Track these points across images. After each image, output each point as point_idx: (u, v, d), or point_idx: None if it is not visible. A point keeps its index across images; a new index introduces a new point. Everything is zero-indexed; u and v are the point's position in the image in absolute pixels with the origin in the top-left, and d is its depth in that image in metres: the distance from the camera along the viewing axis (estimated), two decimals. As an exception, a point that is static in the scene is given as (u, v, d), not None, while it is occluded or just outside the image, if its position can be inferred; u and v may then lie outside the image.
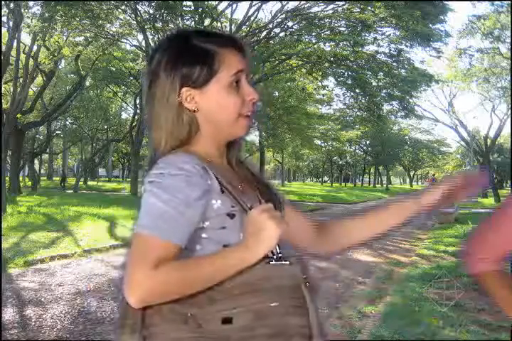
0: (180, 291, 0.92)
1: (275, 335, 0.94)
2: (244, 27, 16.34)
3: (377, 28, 16.28)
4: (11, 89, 19.41)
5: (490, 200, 26.11)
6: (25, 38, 24.28)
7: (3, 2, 14.35)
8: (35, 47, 19.75)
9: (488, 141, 29.27)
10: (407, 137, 51.06)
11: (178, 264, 0.91)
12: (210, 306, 0.94)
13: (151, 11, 14.46)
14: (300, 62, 17.68)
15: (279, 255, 0.99)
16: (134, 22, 14.94)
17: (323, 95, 26.05)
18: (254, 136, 38.30)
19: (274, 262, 0.98)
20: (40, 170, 43.41)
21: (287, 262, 1.00)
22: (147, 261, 0.89)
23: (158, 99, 1.03)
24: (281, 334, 0.95)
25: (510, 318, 1.26)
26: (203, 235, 0.98)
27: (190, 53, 1.04)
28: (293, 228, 1.09)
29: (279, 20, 15.98)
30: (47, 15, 14.52)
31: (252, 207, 0.99)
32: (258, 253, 0.94)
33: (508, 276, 1.35)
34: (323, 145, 44.01)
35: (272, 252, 0.98)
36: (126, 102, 34.80)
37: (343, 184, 61.54)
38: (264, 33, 16.43)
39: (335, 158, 56.86)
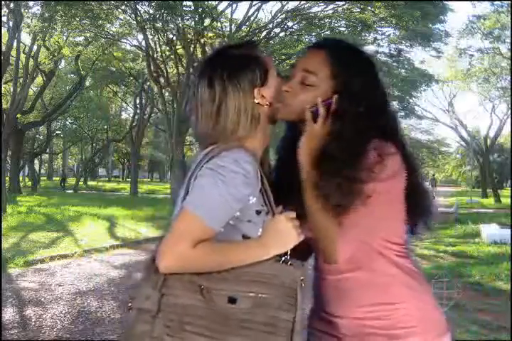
0: (203, 269, 1.10)
1: (268, 324, 1.10)
2: (244, 27, 16.33)
3: (377, 28, 16.26)
4: (11, 89, 19.41)
5: (490, 200, 26.10)
6: (25, 38, 24.32)
7: (3, 2, 14.36)
8: (35, 47, 19.76)
9: (488, 141, 29.24)
10: (407, 137, 50.99)
11: (210, 248, 1.09)
12: (221, 284, 1.10)
13: (151, 11, 14.45)
14: (300, 62, 17.70)
15: (288, 257, 1.15)
16: (134, 22, 14.93)
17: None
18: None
19: (282, 262, 1.15)
20: (40, 170, 43.40)
21: (292, 265, 1.15)
22: (190, 238, 1.07)
23: (234, 104, 1.19)
24: (272, 325, 1.11)
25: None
26: (231, 222, 1.14)
27: (244, 59, 1.23)
28: None
29: (279, 20, 15.97)
30: (47, 15, 14.50)
31: (274, 209, 1.17)
32: (271, 253, 1.13)
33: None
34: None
35: (285, 253, 1.15)
36: (126, 102, 34.77)
37: (343, 184, 61.37)
38: (264, 33, 16.43)
39: (335, 158, 56.73)
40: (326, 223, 1.18)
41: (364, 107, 1.19)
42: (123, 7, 14.89)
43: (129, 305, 1.16)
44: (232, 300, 1.09)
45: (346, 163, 1.15)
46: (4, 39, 17.41)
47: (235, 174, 1.10)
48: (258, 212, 1.15)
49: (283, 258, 1.15)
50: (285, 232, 1.14)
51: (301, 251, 1.20)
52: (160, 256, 1.08)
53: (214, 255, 1.10)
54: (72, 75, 28.53)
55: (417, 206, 1.29)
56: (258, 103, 1.21)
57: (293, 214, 1.15)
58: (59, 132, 35.64)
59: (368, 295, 1.23)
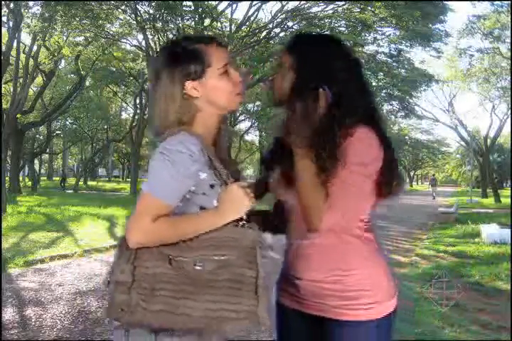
0: (168, 240, 1.25)
1: (234, 281, 1.26)
2: (244, 27, 16.33)
3: (377, 28, 16.27)
4: (11, 89, 19.40)
5: (490, 200, 26.09)
6: (25, 38, 24.37)
7: (3, 2, 14.35)
8: (35, 47, 19.75)
9: (488, 141, 29.23)
10: (407, 137, 51.02)
11: (170, 221, 1.25)
12: (187, 252, 1.25)
13: (151, 11, 14.45)
14: (300, 62, 17.67)
15: (245, 221, 1.30)
16: (134, 22, 14.93)
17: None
18: (254, 136, 38.39)
19: (240, 226, 1.29)
20: (40, 170, 43.40)
21: (250, 228, 1.30)
22: (150, 214, 1.23)
23: (165, 93, 1.34)
24: (238, 282, 1.26)
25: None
26: (187, 196, 1.29)
27: (184, 55, 1.34)
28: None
29: (279, 20, 15.97)
30: (47, 15, 14.51)
31: (227, 182, 1.30)
32: (226, 219, 1.27)
33: None
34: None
35: (241, 218, 1.29)
36: (126, 102, 34.79)
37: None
38: (264, 33, 16.43)
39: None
40: (315, 193, 1.30)
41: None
42: (123, 7, 14.89)
43: (108, 279, 1.37)
44: (197, 265, 1.24)
45: (330, 137, 1.31)
46: (4, 39, 17.42)
47: (181, 154, 1.25)
48: (212, 186, 1.29)
49: (241, 223, 1.29)
50: (237, 199, 1.27)
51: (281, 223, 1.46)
52: (127, 234, 1.24)
53: (175, 226, 1.25)
54: (72, 75, 28.53)
55: (389, 182, 1.41)
56: (190, 95, 1.34)
57: (244, 184, 1.29)
58: (59, 132, 35.66)
59: (327, 260, 1.39)
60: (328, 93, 1.32)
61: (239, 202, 1.27)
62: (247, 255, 1.28)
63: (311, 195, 1.30)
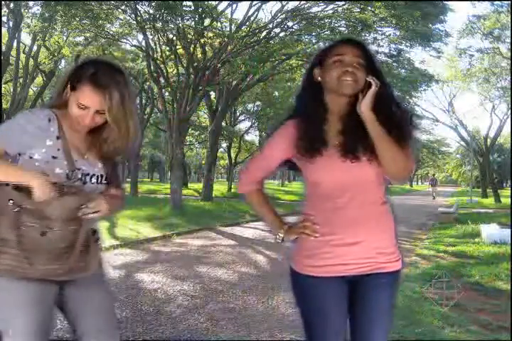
0: None
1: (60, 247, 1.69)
2: (244, 27, 16.30)
3: (377, 28, 16.24)
4: (11, 89, 19.39)
5: (490, 200, 26.09)
6: (25, 38, 24.26)
7: (3, 2, 14.35)
8: (35, 47, 19.73)
9: (488, 141, 29.23)
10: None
11: None
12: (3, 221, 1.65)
13: (151, 11, 14.42)
14: (300, 62, 17.65)
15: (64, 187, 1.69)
16: (134, 22, 14.90)
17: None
18: (254, 136, 38.39)
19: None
20: (40, 170, 43.29)
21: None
22: None
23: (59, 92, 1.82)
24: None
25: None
26: (24, 156, 1.71)
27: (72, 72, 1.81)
28: None
29: (279, 20, 15.94)
30: (47, 15, 14.49)
31: (73, 169, 1.73)
32: (21, 180, 1.65)
33: (265, 195, 1.95)
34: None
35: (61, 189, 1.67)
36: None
37: (343, 184, 61.27)
38: (264, 33, 16.40)
39: (335, 157, 56.61)
40: (399, 151, 1.66)
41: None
42: (123, 7, 14.87)
43: None
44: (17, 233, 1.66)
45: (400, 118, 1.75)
46: (4, 39, 17.41)
47: (26, 116, 1.74)
48: (54, 157, 1.70)
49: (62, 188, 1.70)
50: (41, 183, 1.63)
51: None
52: None
53: None
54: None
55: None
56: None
57: (49, 181, 1.65)
58: (59, 132, 35.64)
59: (380, 223, 1.73)
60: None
61: (41, 185, 1.62)
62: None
63: (400, 152, 1.66)
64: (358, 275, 1.70)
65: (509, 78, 22.89)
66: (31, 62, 19.57)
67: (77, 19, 14.76)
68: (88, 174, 1.79)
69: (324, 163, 1.69)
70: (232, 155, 30.14)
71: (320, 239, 1.71)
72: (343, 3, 15.54)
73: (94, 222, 1.85)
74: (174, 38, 15.30)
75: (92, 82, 1.70)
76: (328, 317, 1.72)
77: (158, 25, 14.38)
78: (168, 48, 15.86)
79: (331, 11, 15.85)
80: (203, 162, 30.93)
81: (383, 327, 1.75)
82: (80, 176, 1.76)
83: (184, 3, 14.15)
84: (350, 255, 1.69)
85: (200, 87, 15.06)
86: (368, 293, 1.72)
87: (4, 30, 17.93)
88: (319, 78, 1.75)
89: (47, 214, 1.66)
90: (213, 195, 20.02)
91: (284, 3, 15.86)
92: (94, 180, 1.81)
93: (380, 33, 16.61)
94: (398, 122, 1.71)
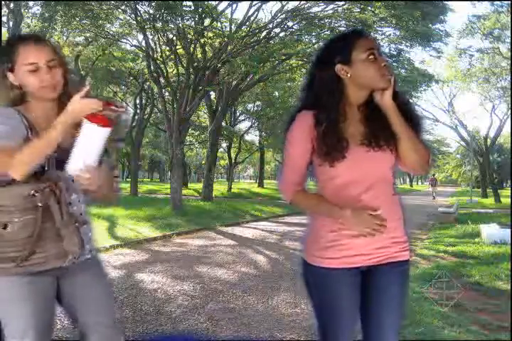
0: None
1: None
2: (244, 27, 16.29)
3: (377, 28, 16.25)
4: (11, 89, 19.35)
5: (490, 200, 26.09)
6: (25, 38, 24.24)
7: (3, 2, 14.34)
8: (35, 47, 19.71)
9: (488, 141, 29.24)
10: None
11: (18, 150, 1.60)
12: None
13: (151, 11, 14.42)
14: (300, 62, 17.65)
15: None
16: (134, 22, 14.90)
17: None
18: (254, 136, 38.37)
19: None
20: (40, 170, 43.28)
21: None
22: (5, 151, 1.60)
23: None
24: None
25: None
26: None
27: (2, 51, 1.77)
28: None
29: (279, 20, 15.94)
30: (47, 15, 14.51)
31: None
32: (60, 123, 1.63)
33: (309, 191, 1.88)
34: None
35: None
36: (126, 102, 34.75)
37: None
38: (264, 33, 16.39)
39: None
40: (419, 140, 1.72)
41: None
42: (123, 7, 14.87)
43: None
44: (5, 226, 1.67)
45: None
46: (4, 39, 17.40)
47: None
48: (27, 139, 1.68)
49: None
50: (77, 108, 1.62)
51: None
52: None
53: (21, 152, 1.60)
54: (72, 75, 28.44)
55: None
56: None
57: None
58: (59, 132, 35.63)
59: (393, 211, 1.81)
60: None
61: (78, 109, 1.62)
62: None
63: (420, 141, 1.73)
64: (372, 265, 1.73)
65: (509, 78, 22.90)
66: (31, 62, 19.54)
67: (77, 19, 14.77)
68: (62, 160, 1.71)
69: (348, 163, 1.68)
70: (232, 155, 30.14)
71: (336, 231, 1.70)
72: (343, 3, 15.54)
73: (59, 210, 1.73)
74: (174, 38, 15.29)
75: (25, 42, 1.72)
76: (343, 307, 1.74)
77: (158, 25, 14.37)
78: (168, 48, 15.84)
79: (331, 11, 15.85)
80: (203, 162, 30.93)
81: (397, 314, 1.78)
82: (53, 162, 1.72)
83: (184, 3, 14.14)
84: (367, 246, 1.70)
85: (200, 87, 15.06)
86: (381, 282, 1.75)
87: (4, 30, 17.94)
88: (348, 75, 1.69)
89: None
90: (213, 195, 20.03)
91: (284, 3, 15.86)
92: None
93: (380, 33, 16.62)
94: (411, 113, 1.75)
